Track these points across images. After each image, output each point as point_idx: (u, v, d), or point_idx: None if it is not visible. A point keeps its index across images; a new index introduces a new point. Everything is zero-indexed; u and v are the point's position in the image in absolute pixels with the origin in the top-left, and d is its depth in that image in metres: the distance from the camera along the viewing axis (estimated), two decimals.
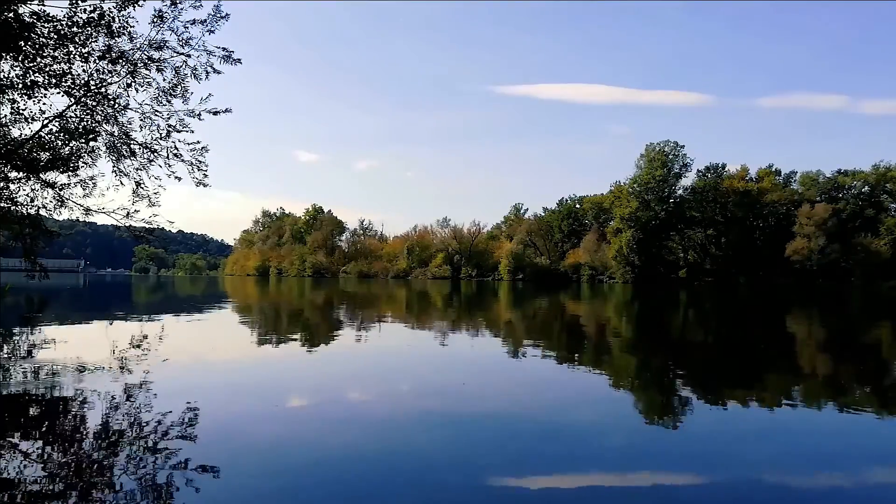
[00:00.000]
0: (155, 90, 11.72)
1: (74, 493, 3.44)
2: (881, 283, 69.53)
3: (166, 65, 11.56)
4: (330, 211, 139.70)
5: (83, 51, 10.87)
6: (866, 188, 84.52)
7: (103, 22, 10.64)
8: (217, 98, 11.92)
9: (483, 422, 5.28)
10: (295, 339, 11.92)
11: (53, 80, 10.90)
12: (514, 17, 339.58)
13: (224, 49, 11.63)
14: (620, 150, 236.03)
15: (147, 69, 11.49)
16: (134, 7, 10.82)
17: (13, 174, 12.01)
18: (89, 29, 10.66)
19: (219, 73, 11.76)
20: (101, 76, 11.30)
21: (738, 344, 12.35)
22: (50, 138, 11.72)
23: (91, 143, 12.06)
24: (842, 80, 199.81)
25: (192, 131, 12.18)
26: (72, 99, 11.38)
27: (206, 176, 12.39)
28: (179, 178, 12.37)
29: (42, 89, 10.98)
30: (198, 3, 11.17)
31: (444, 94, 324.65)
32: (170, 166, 12.23)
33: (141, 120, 11.97)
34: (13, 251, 14.37)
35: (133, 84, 11.58)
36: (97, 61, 11.10)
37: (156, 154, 12.22)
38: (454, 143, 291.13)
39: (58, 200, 12.46)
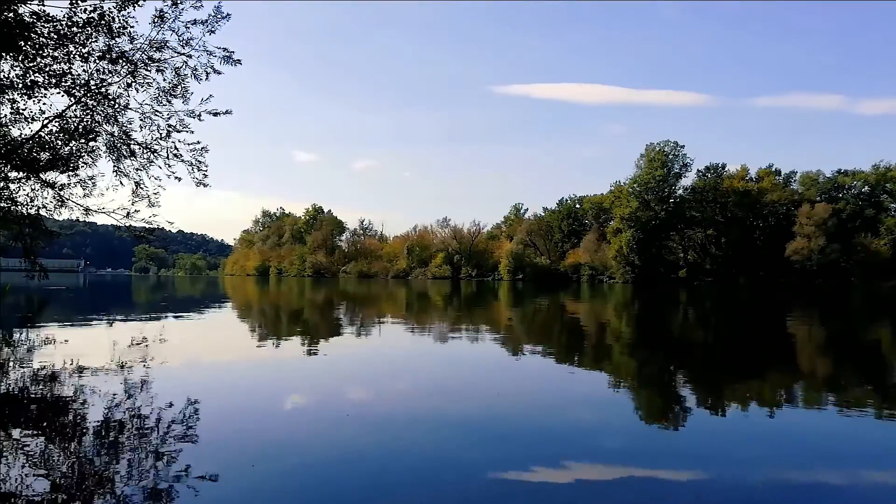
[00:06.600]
0: (155, 90, 11.71)
1: (74, 493, 3.44)
2: (881, 283, 69.51)
3: (167, 65, 11.54)
4: (330, 211, 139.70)
5: (83, 51, 10.86)
6: (866, 188, 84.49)
7: (103, 22, 10.62)
8: (216, 97, 11.83)
9: (483, 421, 5.28)
10: (295, 340, 11.92)
11: (53, 80, 10.88)
12: (512, 16, 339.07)
13: (224, 49, 11.63)
14: (620, 150, 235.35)
15: (147, 69, 11.48)
16: (134, 7, 10.80)
17: (13, 174, 12.01)
18: (89, 29, 10.64)
19: (219, 73, 11.76)
20: (101, 76, 11.29)
21: (737, 344, 12.35)
22: (50, 138, 11.71)
23: (91, 143, 12.06)
24: (839, 79, 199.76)
25: (192, 132, 12.16)
26: (72, 99, 11.37)
27: (206, 176, 12.39)
28: (179, 179, 12.36)
29: (42, 89, 10.97)
30: (198, 4, 11.16)
31: (443, 94, 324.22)
32: (170, 166, 12.23)
33: (141, 120, 11.96)
34: (13, 251, 14.35)
35: (133, 84, 11.57)
36: (97, 61, 11.08)
37: (156, 154, 12.22)
38: (454, 143, 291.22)
39: (58, 200, 12.46)
